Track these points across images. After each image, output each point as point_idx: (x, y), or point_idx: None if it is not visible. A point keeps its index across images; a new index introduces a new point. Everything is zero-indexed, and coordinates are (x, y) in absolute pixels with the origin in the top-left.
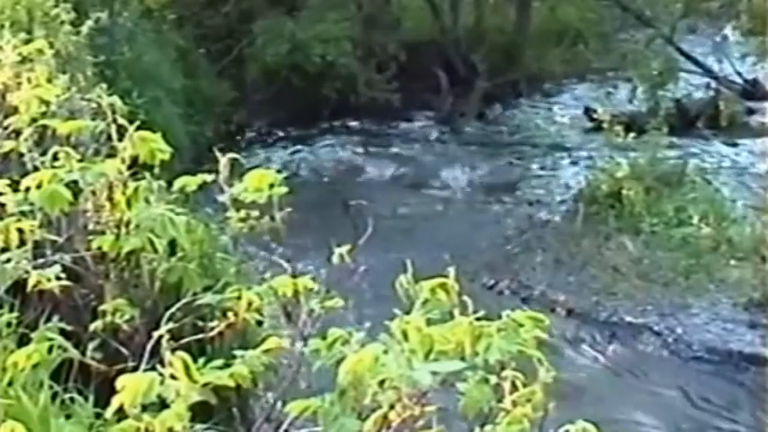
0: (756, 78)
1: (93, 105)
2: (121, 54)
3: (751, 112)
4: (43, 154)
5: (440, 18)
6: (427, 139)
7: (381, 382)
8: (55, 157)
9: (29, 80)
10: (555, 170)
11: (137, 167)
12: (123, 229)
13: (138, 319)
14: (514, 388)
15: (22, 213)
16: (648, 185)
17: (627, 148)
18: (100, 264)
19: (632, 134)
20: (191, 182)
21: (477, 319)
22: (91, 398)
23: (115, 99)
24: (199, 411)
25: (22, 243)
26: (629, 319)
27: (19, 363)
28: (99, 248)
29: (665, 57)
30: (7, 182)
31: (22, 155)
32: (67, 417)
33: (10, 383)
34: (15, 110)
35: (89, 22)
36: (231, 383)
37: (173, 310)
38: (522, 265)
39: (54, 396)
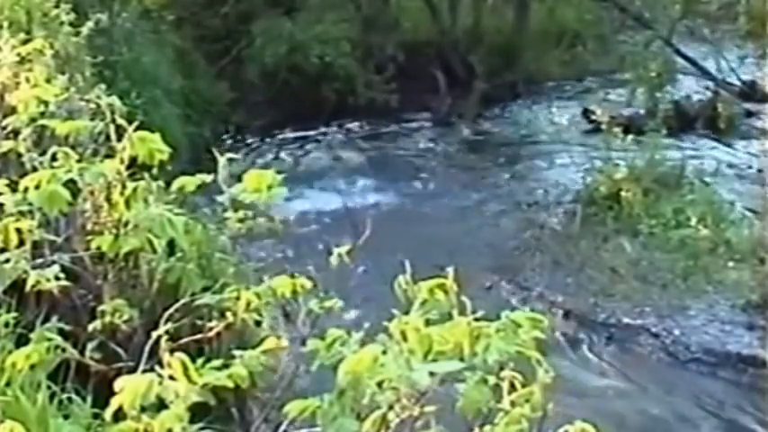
0: (755, 80)
1: (92, 106)
2: (120, 55)
3: (749, 114)
4: (42, 154)
5: (438, 19)
6: (425, 139)
7: (380, 383)
8: (53, 158)
9: (27, 80)
10: (553, 171)
11: (135, 168)
12: (122, 230)
13: (137, 320)
14: (513, 388)
15: (21, 213)
16: (647, 187)
17: (625, 149)
18: (98, 264)
19: (631, 136)
20: (189, 182)
21: (476, 319)
22: (89, 398)
23: (114, 99)
24: (196, 411)
25: (21, 243)
26: (626, 320)
27: (17, 363)
28: (97, 249)
29: (664, 58)
30: (6, 182)
31: (20, 155)
32: (65, 417)
33: (8, 384)
34: (14, 110)
35: (89, 24)
36: (230, 384)
37: (171, 310)
38: (520, 266)
39: (52, 396)
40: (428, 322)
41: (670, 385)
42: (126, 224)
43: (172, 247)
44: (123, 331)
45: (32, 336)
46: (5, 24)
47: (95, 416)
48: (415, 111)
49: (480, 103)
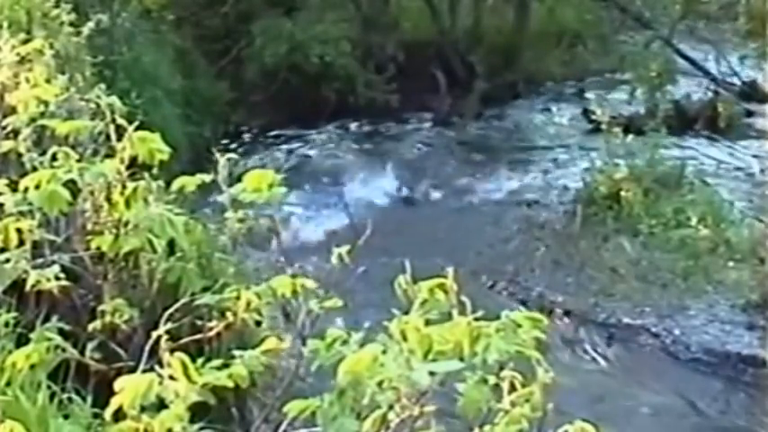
0: (755, 80)
1: (92, 105)
2: (120, 54)
3: (749, 113)
4: (42, 154)
5: (438, 19)
6: (425, 139)
7: (380, 383)
8: (54, 158)
9: (27, 80)
10: (553, 171)
11: (135, 168)
12: (122, 230)
13: (137, 320)
14: (513, 388)
15: (21, 213)
16: (647, 187)
17: (625, 149)
18: (98, 264)
19: (631, 135)
20: (189, 182)
21: (476, 319)
22: (89, 398)
23: (114, 99)
24: (196, 411)
25: (21, 243)
26: (627, 320)
27: (17, 363)
28: (97, 249)
29: (664, 58)
30: (6, 182)
31: (20, 155)
32: (65, 417)
33: (8, 383)
34: (14, 110)
35: (90, 24)
36: (230, 384)
37: (171, 310)
38: (520, 266)
39: (52, 396)
40: (428, 322)
41: (670, 385)
42: (126, 224)
43: (172, 246)
44: (123, 331)
45: (32, 336)
46: (5, 24)
47: (95, 416)
48: (415, 111)
49: (480, 103)
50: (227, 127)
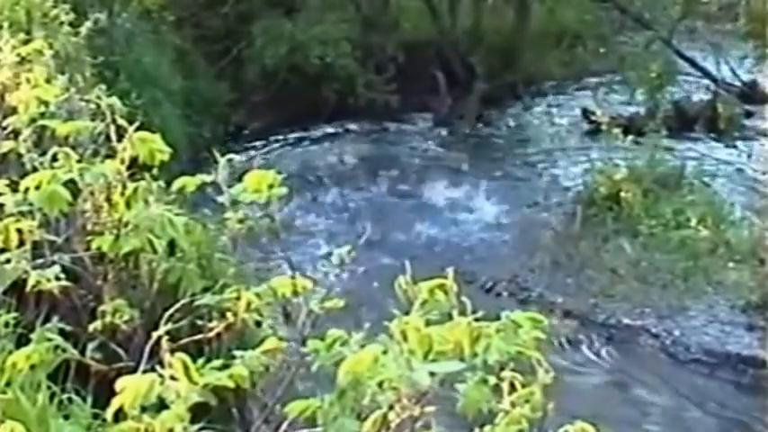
0: (755, 81)
1: (92, 106)
2: (120, 55)
3: (749, 114)
4: (42, 154)
5: (438, 20)
6: (425, 140)
7: (380, 383)
8: (54, 158)
9: (28, 80)
10: (553, 172)
11: (135, 168)
12: (122, 230)
13: (137, 320)
14: (513, 389)
15: (21, 214)
16: (647, 188)
17: (625, 150)
18: (98, 264)
19: (630, 136)
20: (189, 182)
21: (476, 319)
22: (89, 398)
23: (114, 100)
24: (197, 411)
25: (21, 243)
26: (626, 321)
27: (17, 363)
28: (98, 249)
29: (664, 59)
30: (6, 182)
31: (21, 155)
32: (66, 417)
33: (8, 384)
34: (14, 110)
35: (88, 23)
36: (231, 384)
37: (171, 310)
38: (520, 266)
39: (52, 396)
40: (428, 322)
41: (670, 386)
42: (126, 224)
43: (172, 247)
44: (124, 331)
45: (33, 336)
46: (5, 24)
47: (95, 416)
48: (415, 111)
49: (480, 104)
50: (227, 127)
